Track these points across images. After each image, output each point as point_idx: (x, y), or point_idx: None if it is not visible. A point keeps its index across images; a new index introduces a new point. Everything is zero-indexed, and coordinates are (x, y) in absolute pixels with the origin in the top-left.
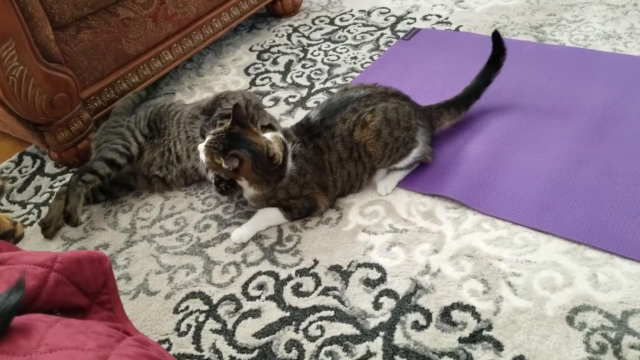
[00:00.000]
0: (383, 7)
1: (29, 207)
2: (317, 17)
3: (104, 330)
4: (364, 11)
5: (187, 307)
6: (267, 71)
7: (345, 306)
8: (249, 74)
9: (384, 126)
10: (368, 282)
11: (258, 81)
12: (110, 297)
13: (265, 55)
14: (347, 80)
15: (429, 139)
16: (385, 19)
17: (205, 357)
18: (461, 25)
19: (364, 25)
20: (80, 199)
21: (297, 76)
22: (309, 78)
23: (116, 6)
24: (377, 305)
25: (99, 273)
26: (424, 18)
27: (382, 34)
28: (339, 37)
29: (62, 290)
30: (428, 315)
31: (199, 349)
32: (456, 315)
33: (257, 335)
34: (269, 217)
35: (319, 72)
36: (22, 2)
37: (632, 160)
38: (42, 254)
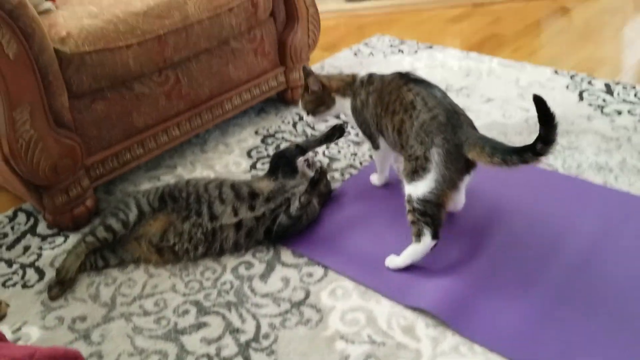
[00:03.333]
0: None
1: (14, 266)
2: None
3: None
4: None
5: None
6: (268, 156)
7: None
8: (251, 157)
9: (414, 127)
10: None
11: (259, 165)
12: None
13: (270, 140)
14: (344, 176)
15: (447, 167)
16: None
17: None
18: None
19: None
20: (79, 258)
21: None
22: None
23: (133, 82)
24: None
25: None
26: None
27: None
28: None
29: None
30: None
31: None
32: None
33: None
34: (376, 160)
35: (318, 163)
36: (44, 70)
37: (614, 298)
38: (19, 348)
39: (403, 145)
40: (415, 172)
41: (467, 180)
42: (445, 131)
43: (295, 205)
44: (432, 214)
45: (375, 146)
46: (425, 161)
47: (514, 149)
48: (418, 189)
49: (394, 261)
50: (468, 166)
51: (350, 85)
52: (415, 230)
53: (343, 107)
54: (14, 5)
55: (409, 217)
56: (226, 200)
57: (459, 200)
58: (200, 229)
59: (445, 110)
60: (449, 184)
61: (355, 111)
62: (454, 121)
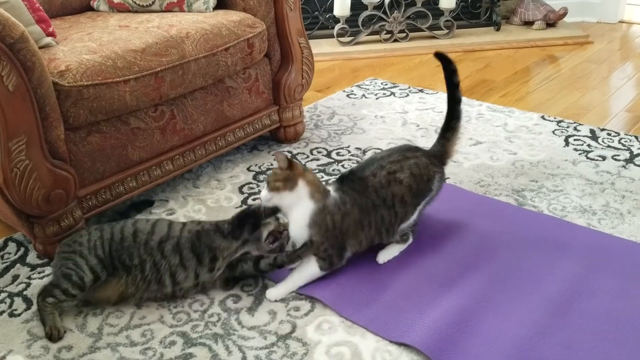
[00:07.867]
0: (378, 148)
1: (2, 295)
2: (316, 148)
3: None
4: (359, 149)
5: None
6: (260, 192)
7: None
8: (242, 193)
9: (413, 182)
10: None
11: (250, 201)
12: None
13: (261, 177)
14: None
15: (441, 182)
16: None
17: None
18: (448, 178)
19: (358, 162)
20: (56, 312)
21: None
22: None
23: (129, 116)
24: None
25: None
26: None
27: None
28: (333, 170)
29: None
30: None
31: None
32: None
33: None
34: (304, 274)
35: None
36: (41, 103)
37: (593, 338)
38: None
39: (401, 208)
40: (414, 207)
41: None
42: (428, 156)
43: (266, 262)
44: (415, 223)
45: (335, 262)
46: (429, 191)
47: (445, 129)
48: (412, 219)
49: (384, 257)
50: None
51: (323, 194)
52: (403, 238)
53: (302, 202)
54: (15, 39)
55: (400, 234)
56: (188, 268)
57: None
58: (160, 294)
59: (404, 150)
60: None
61: (323, 227)
62: (419, 150)
